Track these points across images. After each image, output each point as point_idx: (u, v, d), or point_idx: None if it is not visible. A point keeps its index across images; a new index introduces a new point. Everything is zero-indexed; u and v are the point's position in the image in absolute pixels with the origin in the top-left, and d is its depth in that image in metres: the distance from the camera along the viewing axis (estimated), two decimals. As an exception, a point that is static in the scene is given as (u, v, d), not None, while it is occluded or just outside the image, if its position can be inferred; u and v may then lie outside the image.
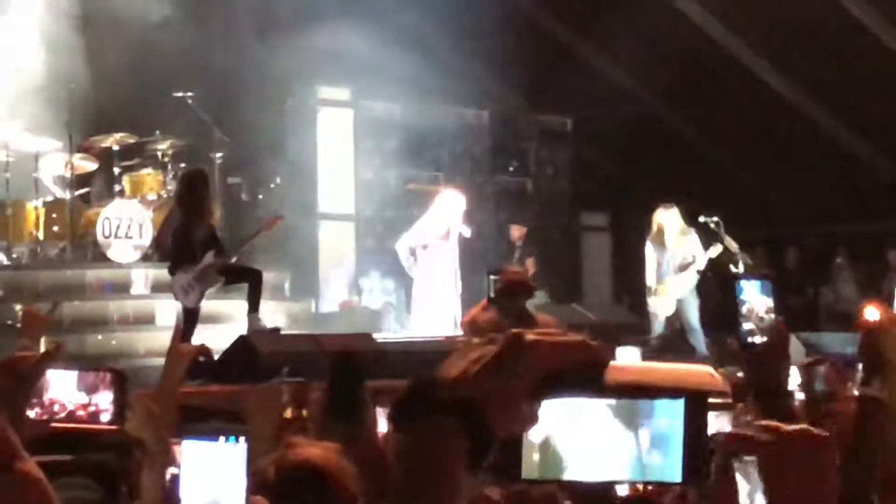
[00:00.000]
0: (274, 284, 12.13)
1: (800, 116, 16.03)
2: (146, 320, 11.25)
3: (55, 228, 11.88)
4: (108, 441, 3.67)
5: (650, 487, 2.52)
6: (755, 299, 3.29)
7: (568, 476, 2.27)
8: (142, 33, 12.13)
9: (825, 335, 11.87)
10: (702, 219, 12.48)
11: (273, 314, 11.16)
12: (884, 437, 2.78)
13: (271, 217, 11.09)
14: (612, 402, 2.25)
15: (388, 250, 13.08)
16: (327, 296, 13.88)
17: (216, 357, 8.51)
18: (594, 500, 2.44)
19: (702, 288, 12.52)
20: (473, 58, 15.83)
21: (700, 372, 2.86)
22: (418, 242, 12.14)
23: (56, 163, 12.16)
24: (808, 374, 3.69)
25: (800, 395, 3.50)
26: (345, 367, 2.67)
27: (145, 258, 11.74)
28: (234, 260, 10.31)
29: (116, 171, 12.43)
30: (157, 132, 12.62)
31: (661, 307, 12.50)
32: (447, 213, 12.08)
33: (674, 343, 12.22)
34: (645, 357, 9.50)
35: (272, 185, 14.07)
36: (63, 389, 3.18)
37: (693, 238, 12.48)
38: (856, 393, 2.99)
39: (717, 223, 12.41)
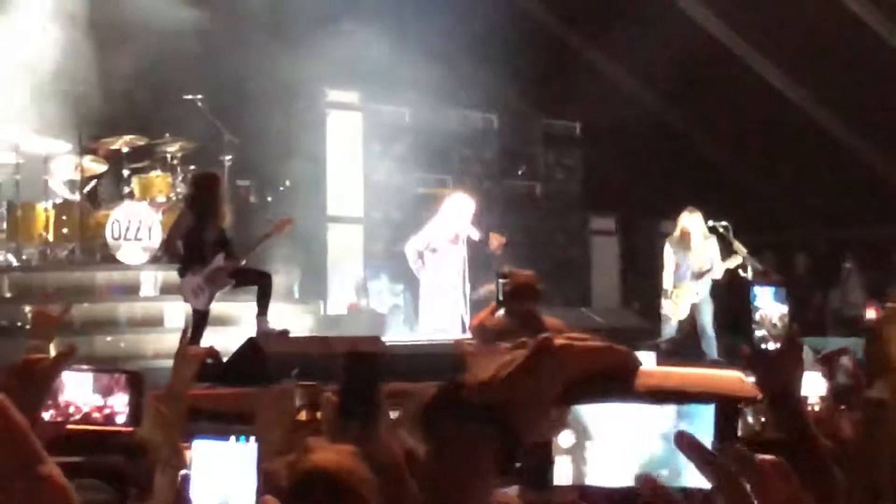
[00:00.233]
0: (282, 287, 12.12)
1: (809, 122, 16.00)
2: (155, 322, 11.25)
3: (65, 230, 11.89)
4: (118, 443, 3.66)
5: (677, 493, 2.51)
6: (768, 306, 3.29)
7: (596, 482, 2.26)
8: (151, 36, 12.11)
9: (833, 340, 11.83)
10: (711, 223, 12.44)
11: (281, 316, 11.15)
12: (893, 440, 2.74)
13: (282, 219, 11.09)
14: (641, 406, 2.24)
15: (396, 253, 13.07)
16: (336, 298, 13.87)
17: (225, 359, 8.52)
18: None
19: (714, 292, 12.47)
20: (482, 62, 15.82)
21: (730, 377, 2.83)
22: (427, 246, 12.13)
23: (66, 165, 12.19)
24: (832, 366, 3.64)
25: (821, 390, 3.45)
26: (359, 368, 2.65)
27: (154, 260, 11.75)
28: (244, 262, 10.30)
29: (126, 173, 12.46)
30: (167, 134, 12.64)
31: (675, 310, 12.46)
32: (456, 217, 12.05)
33: (683, 347, 12.17)
34: (658, 361, 9.44)
35: (281, 188, 14.06)
36: (78, 391, 3.16)
37: (713, 245, 12.37)
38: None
39: (726, 227, 12.38)
